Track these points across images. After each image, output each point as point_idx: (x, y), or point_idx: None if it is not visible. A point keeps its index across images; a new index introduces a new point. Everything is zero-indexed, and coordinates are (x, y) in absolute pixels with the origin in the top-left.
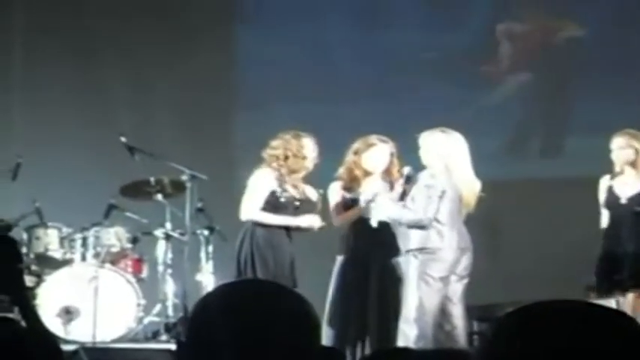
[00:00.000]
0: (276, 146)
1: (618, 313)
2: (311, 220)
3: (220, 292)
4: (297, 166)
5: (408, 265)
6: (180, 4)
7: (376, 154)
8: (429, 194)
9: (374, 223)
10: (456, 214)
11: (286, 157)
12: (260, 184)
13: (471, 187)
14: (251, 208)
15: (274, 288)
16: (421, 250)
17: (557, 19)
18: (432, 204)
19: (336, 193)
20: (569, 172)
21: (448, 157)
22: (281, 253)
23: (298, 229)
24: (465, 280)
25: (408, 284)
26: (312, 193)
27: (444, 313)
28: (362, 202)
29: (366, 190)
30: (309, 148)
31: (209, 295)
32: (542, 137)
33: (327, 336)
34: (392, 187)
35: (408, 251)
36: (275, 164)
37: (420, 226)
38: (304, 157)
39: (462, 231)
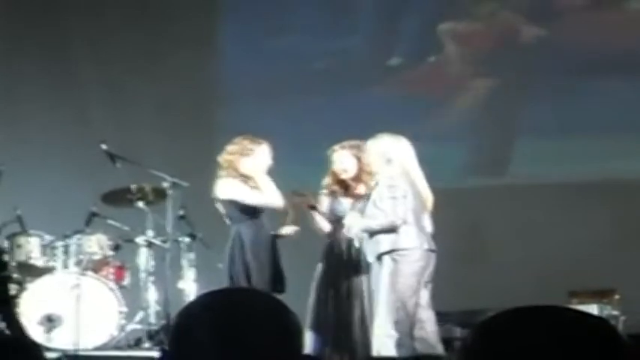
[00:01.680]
0: (233, 152)
1: (597, 319)
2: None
3: (203, 301)
4: (250, 171)
5: (380, 270)
6: (161, 9)
7: (338, 161)
8: (393, 195)
9: (356, 244)
10: (419, 215)
11: (241, 163)
12: (236, 189)
13: (426, 188)
14: (255, 195)
15: (257, 296)
16: (392, 252)
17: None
18: (398, 205)
19: (321, 202)
20: (552, 178)
21: (404, 160)
22: (271, 253)
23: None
24: (430, 285)
25: (381, 288)
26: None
27: (416, 319)
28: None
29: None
30: (264, 153)
31: (192, 304)
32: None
33: (308, 343)
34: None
35: (379, 255)
36: (233, 171)
37: (392, 229)
38: (257, 163)
39: (427, 232)
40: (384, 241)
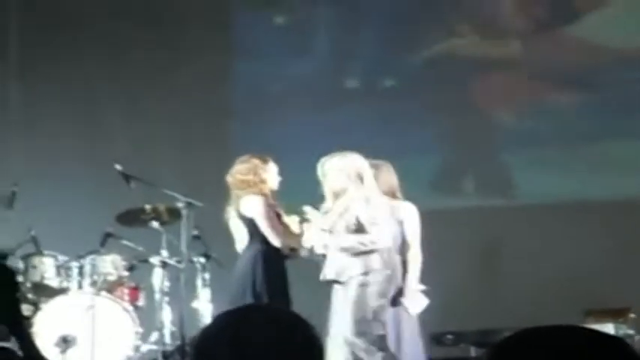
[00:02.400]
0: (246, 171)
1: (614, 339)
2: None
3: (223, 319)
4: (266, 191)
5: (346, 290)
6: (176, 27)
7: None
8: (375, 220)
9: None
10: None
11: (255, 182)
12: (262, 208)
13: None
14: (280, 232)
15: (277, 313)
16: (366, 274)
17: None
18: (382, 230)
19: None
20: (568, 196)
21: (371, 178)
22: (275, 279)
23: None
24: None
25: (349, 309)
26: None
27: None
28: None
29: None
30: (273, 171)
31: (212, 322)
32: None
33: None
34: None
35: (351, 277)
36: (252, 190)
37: (368, 252)
38: (266, 181)
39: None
40: (357, 263)
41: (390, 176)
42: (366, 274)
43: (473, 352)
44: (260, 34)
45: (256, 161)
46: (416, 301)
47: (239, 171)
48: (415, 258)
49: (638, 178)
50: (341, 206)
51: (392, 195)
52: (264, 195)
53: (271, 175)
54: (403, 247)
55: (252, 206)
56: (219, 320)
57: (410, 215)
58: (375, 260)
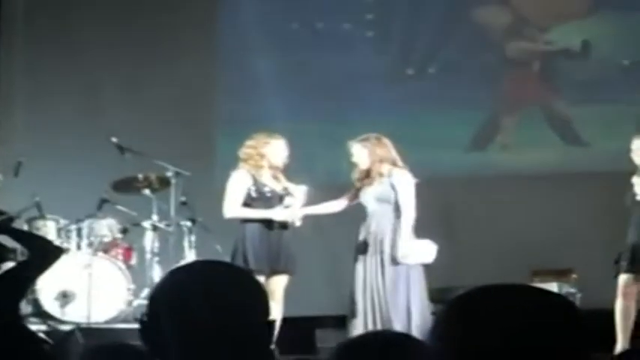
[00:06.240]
0: (250, 145)
1: (557, 296)
2: (285, 215)
3: (170, 275)
4: (262, 163)
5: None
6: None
7: (354, 154)
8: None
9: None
10: None
11: (252, 155)
12: (234, 183)
13: None
14: (230, 206)
15: (218, 266)
16: None
17: None
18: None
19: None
20: (520, 166)
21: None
22: (260, 246)
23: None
24: None
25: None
26: (295, 189)
27: None
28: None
29: None
30: (279, 147)
31: (163, 278)
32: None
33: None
34: None
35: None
36: (250, 162)
37: None
38: (264, 155)
39: None
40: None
41: (387, 147)
42: None
43: (432, 307)
44: None
45: (260, 136)
46: (416, 253)
47: (244, 145)
48: (404, 220)
49: (581, 150)
50: None
51: (392, 163)
52: (257, 167)
53: (273, 150)
54: (398, 210)
55: (230, 179)
56: (168, 276)
57: (398, 181)
58: None
